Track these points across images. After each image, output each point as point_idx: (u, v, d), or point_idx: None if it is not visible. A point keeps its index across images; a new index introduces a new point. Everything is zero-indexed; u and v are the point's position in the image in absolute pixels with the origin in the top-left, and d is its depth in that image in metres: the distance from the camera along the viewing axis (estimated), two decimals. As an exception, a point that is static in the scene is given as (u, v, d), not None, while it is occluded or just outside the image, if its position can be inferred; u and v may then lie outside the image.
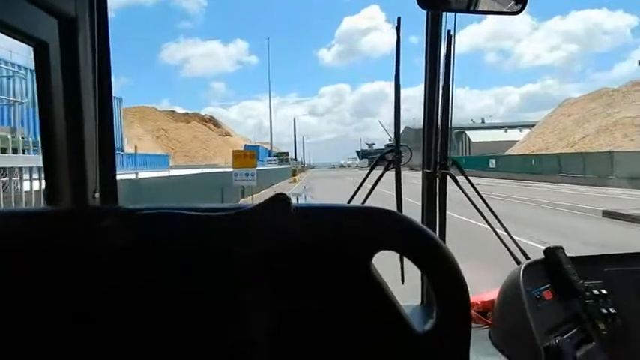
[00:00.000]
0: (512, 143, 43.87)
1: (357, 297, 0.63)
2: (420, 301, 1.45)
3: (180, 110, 70.25)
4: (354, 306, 0.64)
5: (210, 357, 0.66)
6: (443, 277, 0.63)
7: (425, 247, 0.63)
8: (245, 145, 41.59)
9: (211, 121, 70.82)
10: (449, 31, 1.39)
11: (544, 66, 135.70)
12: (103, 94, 0.86)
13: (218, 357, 0.66)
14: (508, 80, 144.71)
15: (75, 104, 0.83)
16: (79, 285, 0.64)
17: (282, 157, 50.65)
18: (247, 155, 14.36)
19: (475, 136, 55.58)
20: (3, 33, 0.74)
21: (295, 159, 58.67)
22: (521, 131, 51.16)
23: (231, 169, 14.25)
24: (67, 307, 0.65)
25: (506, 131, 55.75)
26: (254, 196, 15.46)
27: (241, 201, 15.36)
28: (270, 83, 69.20)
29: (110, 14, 0.88)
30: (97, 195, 0.85)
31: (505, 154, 38.02)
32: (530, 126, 49.22)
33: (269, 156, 45.13)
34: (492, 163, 32.66)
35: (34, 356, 0.65)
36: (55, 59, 0.80)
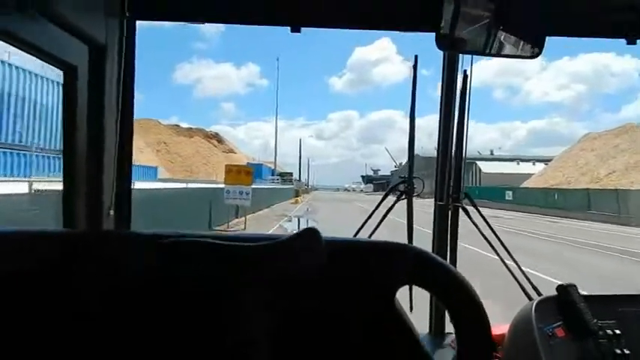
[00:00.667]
0: (525, 176, 42.08)
1: (381, 328, 0.67)
2: (427, 330, 1.54)
3: (184, 125, 69.13)
4: (378, 338, 0.67)
5: (210, 357, 0.66)
6: (465, 311, 0.65)
7: (451, 285, 0.66)
8: (247, 163, 39.98)
9: (215, 138, 69.47)
10: (465, 71, 1.45)
11: (552, 103, 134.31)
12: (125, 117, 0.93)
13: (218, 357, 0.66)
14: (515, 115, 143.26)
15: (97, 124, 0.89)
16: (79, 285, 0.65)
17: (285, 177, 48.99)
18: (242, 171, 12.48)
19: (486, 167, 53.91)
20: (35, 56, 0.80)
21: (299, 180, 56.92)
22: (534, 164, 49.56)
23: (223, 186, 12.26)
24: (68, 308, 0.65)
25: (518, 164, 54.15)
26: (249, 216, 13.54)
27: (235, 221, 13.61)
28: (279, 106, 68.10)
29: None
30: (111, 212, 0.94)
31: (521, 186, 36.09)
32: (542, 160, 47.47)
33: (272, 175, 43.37)
34: (509, 194, 30.74)
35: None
36: (83, 82, 0.87)
